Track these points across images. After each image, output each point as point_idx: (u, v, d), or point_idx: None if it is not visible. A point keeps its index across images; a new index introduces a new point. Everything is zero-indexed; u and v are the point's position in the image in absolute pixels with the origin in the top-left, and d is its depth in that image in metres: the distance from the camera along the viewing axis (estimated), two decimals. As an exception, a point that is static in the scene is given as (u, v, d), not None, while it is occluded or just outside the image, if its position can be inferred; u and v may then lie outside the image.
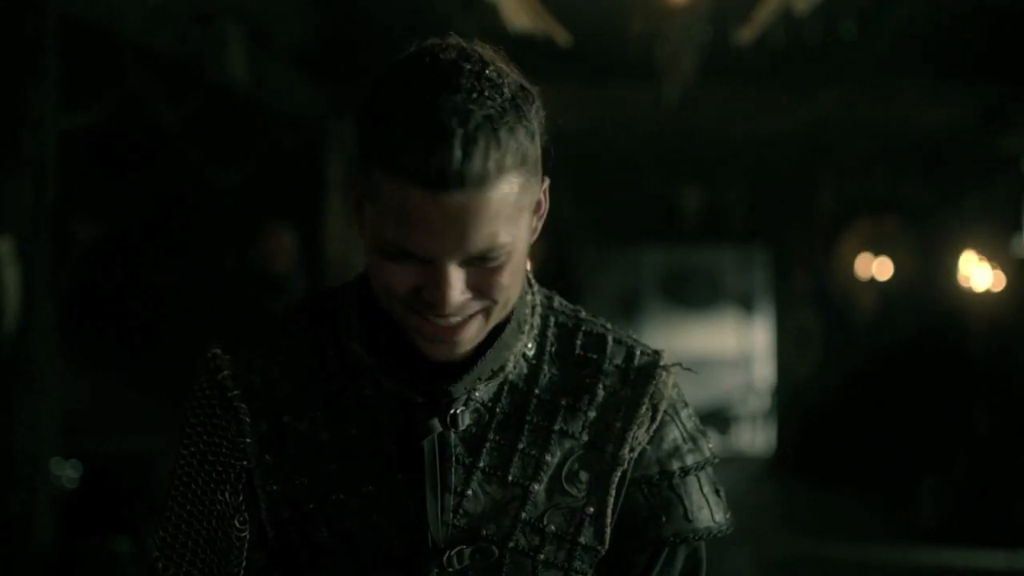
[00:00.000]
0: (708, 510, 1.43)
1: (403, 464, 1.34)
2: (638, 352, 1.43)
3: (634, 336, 1.47)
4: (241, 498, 1.36)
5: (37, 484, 4.35)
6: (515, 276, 1.28)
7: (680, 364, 1.45)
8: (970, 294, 8.77)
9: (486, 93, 1.21)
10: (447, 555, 1.33)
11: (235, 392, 1.37)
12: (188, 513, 1.38)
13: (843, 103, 7.78)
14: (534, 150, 1.27)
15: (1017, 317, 8.61)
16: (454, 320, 1.27)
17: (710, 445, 1.45)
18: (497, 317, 1.32)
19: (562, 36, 5.40)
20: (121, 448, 5.83)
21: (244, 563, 1.36)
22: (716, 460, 1.46)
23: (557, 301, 1.46)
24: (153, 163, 6.78)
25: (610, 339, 1.43)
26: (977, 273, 8.51)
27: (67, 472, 5.37)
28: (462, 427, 1.34)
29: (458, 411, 1.34)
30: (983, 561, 7.64)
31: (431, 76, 1.22)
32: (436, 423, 1.33)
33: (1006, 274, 8.42)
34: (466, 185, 1.19)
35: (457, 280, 1.24)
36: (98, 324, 6.73)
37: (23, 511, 4.28)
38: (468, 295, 1.26)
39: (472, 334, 1.29)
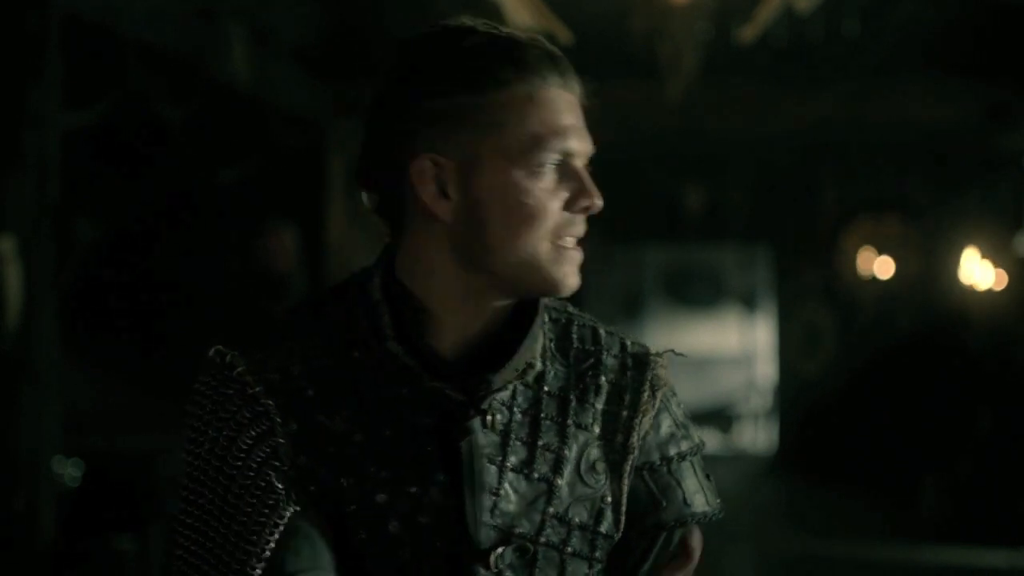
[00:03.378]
0: (703, 494, 1.47)
1: (442, 464, 1.34)
2: (628, 343, 1.47)
3: (618, 329, 1.50)
4: (282, 493, 1.32)
5: (39, 483, 4.35)
6: None
7: (672, 350, 1.49)
8: (972, 293, 8.76)
9: None
10: (493, 556, 1.34)
11: (258, 389, 1.33)
12: (202, 521, 1.33)
13: (845, 101, 7.78)
14: None
15: (1019, 316, 8.60)
16: (583, 231, 1.36)
17: (698, 432, 1.51)
18: None
19: (563, 34, 5.39)
20: (123, 447, 5.83)
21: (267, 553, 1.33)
22: (704, 446, 1.51)
23: (548, 298, 1.47)
24: (155, 161, 6.78)
25: (602, 332, 1.46)
26: (979, 272, 8.50)
27: (69, 471, 5.37)
28: (496, 426, 1.35)
29: (491, 410, 1.35)
30: (985, 560, 7.63)
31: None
32: (476, 423, 1.33)
33: (1008, 273, 8.42)
34: (575, 89, 1.37)
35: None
36: (100, 323, 6.73)
37: (25, 509, 4.28)
38: None
39: (580, 265, 1.38)
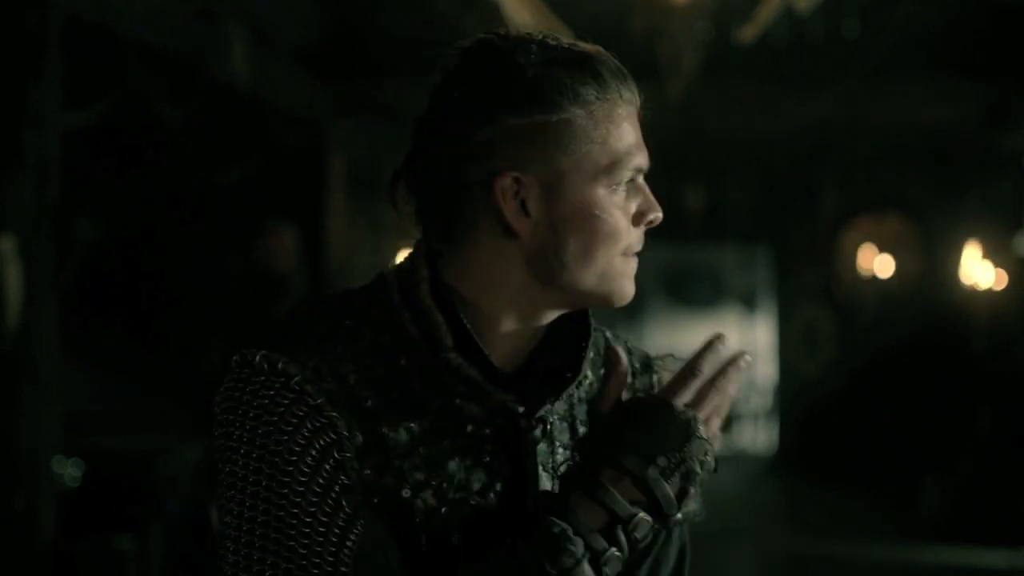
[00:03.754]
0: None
1: (501, 473, 1.34)
2: (630, 346, 1.50)
3: (617, 334, 1.52)
4: (353, 508, 1.27)
5: (39, 482, 4.35)
6: None
7: (672, 355, 1.50)
8: (972, 292, 8.76)
9: None
10: None
11: (320, 400, 1.27)
12: (276, 531, 1.25)
13: (845, 101, 7.78)
14: None
15: (1019, 315, 8.60)
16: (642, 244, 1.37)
17: None
18: None
19: (564, 34, 5.39)
20: (123, 446, 5.83)
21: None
22: None
23: None
24: (155, 161, 6.78)
25: (608, 336, 1.49)
26: (979, 271, 8.50)
27: (69, 470, 5.37)
28: (556, 436, 1.37)
29: (549, 419, 1.36)
30: (985, 560, 7.63)
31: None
32: (539, 433, 1.34)
33: (1008, 272, 8.42)
34: (638, 99, 1.38)
35: None
36: (100, 322, 6.73)
37: (25, 509, 4.28)
38: None
39: None
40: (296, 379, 1.26)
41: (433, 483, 1.30)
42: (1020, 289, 8.47)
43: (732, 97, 7.98)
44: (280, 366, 1.27)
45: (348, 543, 1.25)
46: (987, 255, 8.47)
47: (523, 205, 1.31)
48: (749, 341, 14.67)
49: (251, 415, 1.27)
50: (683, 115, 7.54)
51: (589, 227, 1.31)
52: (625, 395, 1.42)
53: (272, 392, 1.26)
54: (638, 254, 1.38)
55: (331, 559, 1.25)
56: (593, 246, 1.32)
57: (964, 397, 8.96)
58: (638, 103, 1.37)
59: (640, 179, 1.36)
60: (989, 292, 8.56)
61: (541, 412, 1.35)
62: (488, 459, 1.33)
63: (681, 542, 1.49)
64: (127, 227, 7.15)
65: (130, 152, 6.67)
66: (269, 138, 6.94)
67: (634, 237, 1.36)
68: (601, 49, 1.36)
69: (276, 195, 7.07)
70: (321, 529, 1.25)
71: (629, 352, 1.48)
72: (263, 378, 1.27)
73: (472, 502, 1.32)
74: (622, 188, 1.33)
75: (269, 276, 6.31)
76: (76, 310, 5.85)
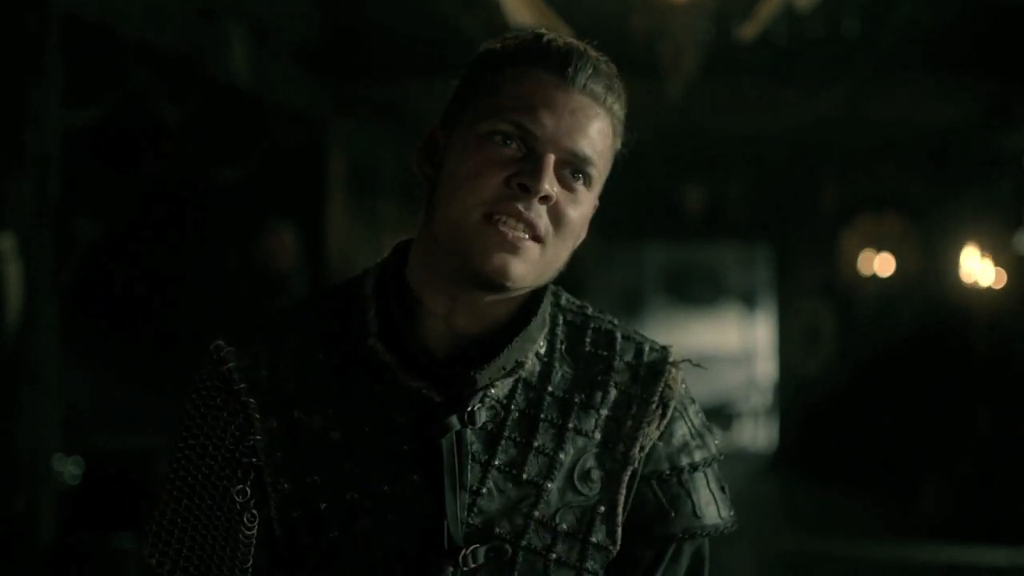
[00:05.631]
0: (715, 506, 1.43)
1: (418, 462, 1.33)
2: (647, 348, 1.44)
3: (641, 332, 1.46)
4: (250, 495, 1.34)
5: (40, 481, 4.35)
6: (576, 227, 1.35)
7: (690, 360, 1.45)
8: (972, 291, 8.76)
9: (610, 63, 1.38)
10: (463, 554, 1.32)
11: (242, 386, 1.35)
12: (185, 508, 1.36)
13: (845, 100, 7.77)
14: (615, 142, 1.38)
15: (1019, 314, 8.60)
16: (529, 217, 1.30)
17: (716, 442, 1.46)
18: (542, 268, 1.34)
19: (564, 34, 5.38)
20: (123, 445, 5.83)
21: (250, 562, 1.34)
22: (722, 457, 1.47)
23: (564, 298, 1.45)
24: (155, 160, 6.78)
25: (619, 336, 1.43)
26: (979, 270, 8.50)
27: (69, 469, 5.37)
28: (479, 424, 1.34)
29: (475, 408, 1.33)
30: (985, 558, 7.64)
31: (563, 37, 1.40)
32: (454, 420, 1.32)
33: (1008, 271, 8.41)
34: (587, 91, 1.33)
35: (551, 172, 1.30)
36: (100, 321, 6.73)
37: (26, 508, 4.28)
38: (548, 202, 1.31)
39: (526, 258, 1.31)
40: (229, 365, 1.36)
41: (342, 469, 1.33)
42: (1020, 288, 8.47)
43: (732, 96, 7.97)
44: (223, 354, 1.37)
45: (251, 525, 1.34)
46: (987, 254, 8.47)
47: (432, 157, 1.37)
48: (749, 339, 14.68)
49: (192, 398, 1.38)
50: (683, 114, 7.55)
51: (452, 170, 1.33)
52: (613, 392, 1.40)
53: (206, 376, 1.38)
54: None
55: (232, 543, 1.34)
56: (452, 190, 1.32)
57: (964, 397, 8.97)
58: (577, 84, 1.33)
59: (543, 149, 1.31)
60: (989, 291, 8.55)
61: (474, 402, 1.33)
62: (406, 447, 1.33)
63: (696, 558, 1.43)
64: (127, 226, 7.15)
65: (130, 152, 6.66)
66: (269, 138, 6.94)
67: (500, 195, 1.29)
68: (556, 35, 1.39)
69: (276, 195, 7.06)
70: (224, 505, 1.35)
71: (639, 355, 1.42)
72: (211, 366, 1.38)
73: (382, 489, 1.32)
74: (499, 142, 1.31)
75: (268, 275, 6.31)
76: (76, 310, 5.85)
